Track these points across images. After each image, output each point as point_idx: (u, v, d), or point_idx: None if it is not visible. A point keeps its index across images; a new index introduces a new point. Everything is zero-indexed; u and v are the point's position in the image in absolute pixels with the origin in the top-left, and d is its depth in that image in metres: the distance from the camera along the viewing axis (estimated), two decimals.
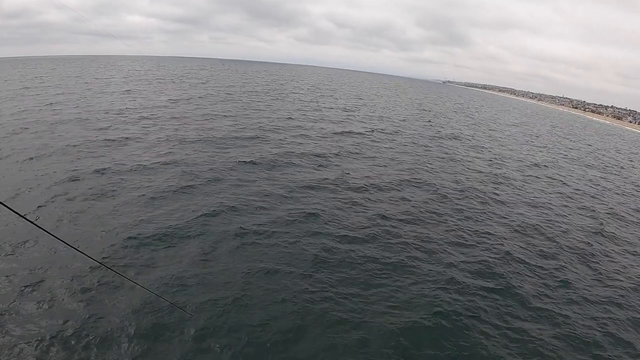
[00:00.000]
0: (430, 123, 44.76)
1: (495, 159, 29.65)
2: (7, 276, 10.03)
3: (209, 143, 23.76)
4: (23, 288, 9.59)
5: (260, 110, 37.82)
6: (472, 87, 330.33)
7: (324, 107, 45.87)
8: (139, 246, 11.70)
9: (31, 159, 18.71)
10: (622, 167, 35.96)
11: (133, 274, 10.43)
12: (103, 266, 7.94)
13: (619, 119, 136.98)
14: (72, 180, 16.34)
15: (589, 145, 48.88)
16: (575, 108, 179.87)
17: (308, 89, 75.59)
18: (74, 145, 21.24)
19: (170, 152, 21.24)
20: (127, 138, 23.44)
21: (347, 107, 48.58)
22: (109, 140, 22.70)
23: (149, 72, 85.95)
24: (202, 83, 67.06)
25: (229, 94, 50.44)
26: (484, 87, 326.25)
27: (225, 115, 33.03)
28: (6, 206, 3.68)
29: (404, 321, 9.70)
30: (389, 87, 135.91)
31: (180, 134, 25.56)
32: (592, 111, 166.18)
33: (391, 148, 28.43)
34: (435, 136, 35.51)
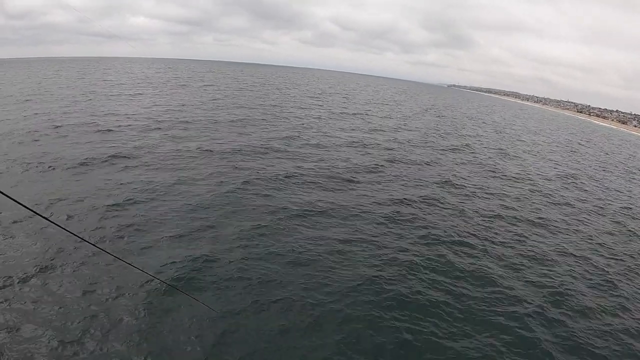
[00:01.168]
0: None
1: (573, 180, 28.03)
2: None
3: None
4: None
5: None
6: (477, 91, 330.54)
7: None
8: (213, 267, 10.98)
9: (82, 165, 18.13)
10: None
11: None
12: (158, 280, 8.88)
13: (624, 124, 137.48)
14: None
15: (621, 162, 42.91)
16: (580, 112, 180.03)
17: (343, 96, 74.71)
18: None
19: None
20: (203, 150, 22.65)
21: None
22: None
23: (170, 77, 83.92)
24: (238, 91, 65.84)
25: (275, 108, 44.71)
26: (489, 90, 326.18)
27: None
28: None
29: None
30: (407, 93, 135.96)
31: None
32: (597, 115, 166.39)
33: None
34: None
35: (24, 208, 3.45)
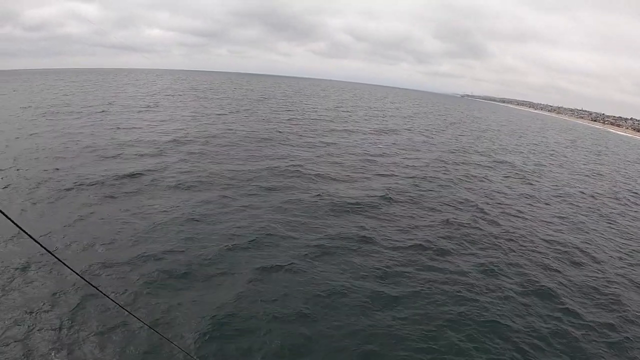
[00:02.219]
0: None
1: None
2: None
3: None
4: None
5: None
6: (491, 100, 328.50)
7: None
8: None
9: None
10: None
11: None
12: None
13: (639, 132, 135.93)
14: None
15: None
16: (595, 121, 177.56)
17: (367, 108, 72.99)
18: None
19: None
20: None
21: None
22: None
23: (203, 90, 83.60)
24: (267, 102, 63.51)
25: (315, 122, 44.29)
26: (503, 100, 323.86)
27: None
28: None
29: None
30: (425, 104, 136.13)
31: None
32: (612, 123, 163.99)
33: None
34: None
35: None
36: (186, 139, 28.33)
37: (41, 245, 3.45)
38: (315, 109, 57.50)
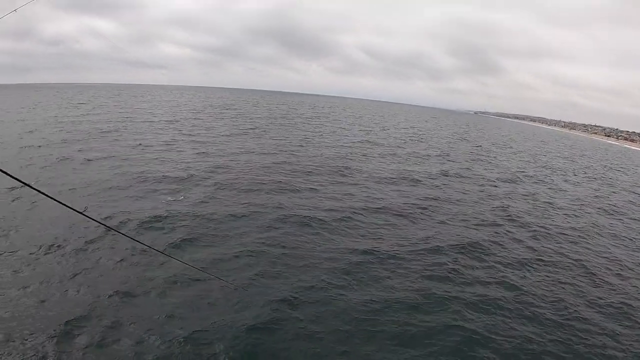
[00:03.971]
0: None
1: None
2: None
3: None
4: None
5: None
6: (505, 117, 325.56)
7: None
8: None
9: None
10: None
11: None
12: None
13: None
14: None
15: None
16: (608, 136, 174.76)
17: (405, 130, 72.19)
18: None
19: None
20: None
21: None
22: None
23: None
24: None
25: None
26: (516, 117, 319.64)
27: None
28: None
29: None
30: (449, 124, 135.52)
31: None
32: (625, 139, 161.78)
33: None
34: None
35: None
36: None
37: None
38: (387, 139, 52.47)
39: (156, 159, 26.22)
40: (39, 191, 3.61)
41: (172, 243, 13.70)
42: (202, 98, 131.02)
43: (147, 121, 48.10)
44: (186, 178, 21.62)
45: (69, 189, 18.59)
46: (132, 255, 12.66)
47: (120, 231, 6.87)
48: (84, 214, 4.23)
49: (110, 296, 10.42)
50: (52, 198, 3.68)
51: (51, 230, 13.85)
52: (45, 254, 12.29)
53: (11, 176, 3.24)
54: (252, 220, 16.38)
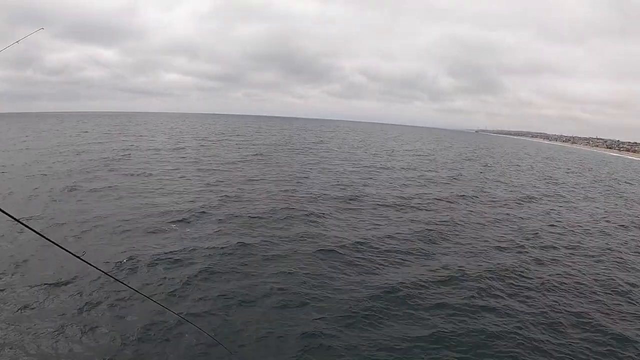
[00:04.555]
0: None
1: None
2: None
3: None
4: None
5: None
6: (506, 134, 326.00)
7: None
8: None
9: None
10: None
11: None
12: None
13: None
14: None
15: None
16: (610, 148, 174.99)
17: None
18: None
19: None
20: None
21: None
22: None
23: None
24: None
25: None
26: (517, 133, 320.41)
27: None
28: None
29: None
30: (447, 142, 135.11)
31: None
32: (627, 150, 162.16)
33: None
34: None
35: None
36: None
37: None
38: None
39: (162, 189, 25.38)
40: (42, 235, 3.43)
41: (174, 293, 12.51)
42: (204, 125, 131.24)
43: (152, 149, 47.53)
44: (194, 210, 20.48)
45: (76, 222, 17.72)
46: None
47: (123, 281, 6.26)
48: (82, 259, 4.08)
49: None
50: (57, 245, 3.55)
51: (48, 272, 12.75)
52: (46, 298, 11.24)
53: (15, 219, 3.08)
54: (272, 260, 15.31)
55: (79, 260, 3.96)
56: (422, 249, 17.12)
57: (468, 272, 14.70)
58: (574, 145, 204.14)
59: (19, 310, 10.42)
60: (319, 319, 10.96)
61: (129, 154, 40.91)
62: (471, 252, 17.27)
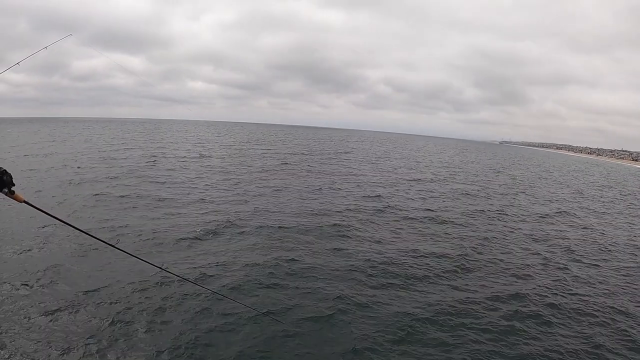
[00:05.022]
0: None
1: None
2: None
3: None
4: None
5: None
6: (531, 146, 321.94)
7: None
8: None
9: None
10: None
11: None
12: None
13: None
14: None
15: None
16: (635, 160, 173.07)
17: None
18: None
19: None
20: None
21: None
22: None
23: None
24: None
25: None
26: (542, 145, 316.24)
27: None
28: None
29: None
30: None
31: None
32: None
33: None
34: None
35: None
36: None
37: None
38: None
39: (188, 197, 24.98)
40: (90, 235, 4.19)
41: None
42: (229, 133, 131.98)
43: (178, 157, 47.49)
44: (220, 221, 19.75)
45: (103, 229, 17.18)
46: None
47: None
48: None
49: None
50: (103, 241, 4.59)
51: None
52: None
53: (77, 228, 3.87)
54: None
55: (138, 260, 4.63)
56: (458, 266, 16.12)
57: (506, 291, 13.65)
58: (599, 158, 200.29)
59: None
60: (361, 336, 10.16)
61: (155, 161, 40.82)
62: (510, 270, 16.15)
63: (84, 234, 4.35)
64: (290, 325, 10.59)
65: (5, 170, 3.14)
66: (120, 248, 5.40)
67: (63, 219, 3.78)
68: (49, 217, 3.77)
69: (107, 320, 10.13)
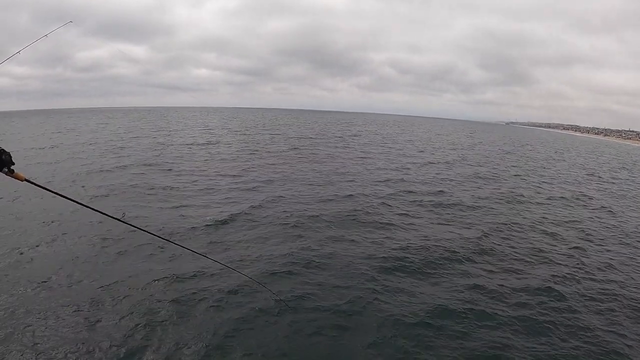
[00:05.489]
0: None
1: None
2: None
3: None
4: None
5: None
6: (536, 126, 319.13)
7: None
8: None
9: None
10: None
11: None
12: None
13: None
14: None
15: None
16: None
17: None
18: None
19: None
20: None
21: None
22: None
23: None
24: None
25: None
26: (548, 125, 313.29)
27: None
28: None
29: None
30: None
31: None
32: None
33: None
34: None
35: None
36: None
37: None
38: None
39: (200, 187, 24.13)
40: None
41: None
42: (235, 119, 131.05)
43: (185, 144, 46.78)
44: (233, 211, 18.94)
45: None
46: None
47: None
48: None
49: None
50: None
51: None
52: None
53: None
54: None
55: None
56: (477, 251, 15.35)
57: (533, 280, 12.72)
58: (607, 138, 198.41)
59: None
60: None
61: (162, 150, 40.32)
62: (538, 258, 15.25)
63: (91, 210, 4.35)
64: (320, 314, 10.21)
65: (3, 149, 3.09)
66: (127, 221, 5.44)
67: (67, 195, 3.86)
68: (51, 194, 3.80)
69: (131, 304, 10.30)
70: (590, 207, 25.42)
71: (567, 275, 13.61)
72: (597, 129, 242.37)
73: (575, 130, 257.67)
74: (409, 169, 35.69)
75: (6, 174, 3.18)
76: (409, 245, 15.50)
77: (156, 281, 11.48)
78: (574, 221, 21.47)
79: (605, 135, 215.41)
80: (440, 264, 13.92)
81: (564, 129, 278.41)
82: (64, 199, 3.91)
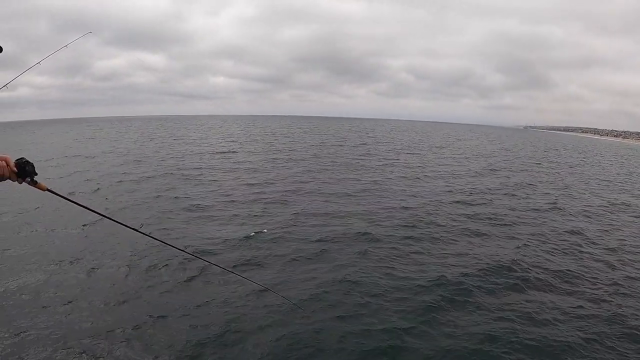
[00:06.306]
0: None
1: None
2: None
3: None
4: None
5: None
6: (555, 130, 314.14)
7: None
8: None
9: None
10: None
11: None
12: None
13: None
14: None
15: None
16: None
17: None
18: None
19: None
20: None
21: None
22: None
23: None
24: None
25: None
26: (567, 129, 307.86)
27: None
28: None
29: None
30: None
31: None
32: None
33: None
34: None
35: None
36: None
37: None
38: None
39: (224, 197, 23.45)
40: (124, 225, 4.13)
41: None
42: (254, 127, 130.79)
43: (207, 152, 46.24)
44: (258, 226, 17.88)
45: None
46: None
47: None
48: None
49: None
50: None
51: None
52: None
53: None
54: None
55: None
56: (521, 276, 13.34)
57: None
58: (626, 140, 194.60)
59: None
60: None
61: (183, 160, 39.64)
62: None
63: (114, 222, 4.09)
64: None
65: (27, 160, 3.11)
66: (158, 238, 5.35)
67: (88, 206, 3.74)
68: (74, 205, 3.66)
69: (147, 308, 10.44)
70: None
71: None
72: (616, 131, 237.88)
73: (594, 133, 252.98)
74: (441, 178, 33.98)
75: (29, 184, 3.15)
76: (448, 268, 13.91)
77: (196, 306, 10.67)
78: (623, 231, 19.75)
79: (624, 137, 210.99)
80: (508, 294, 12.14)
81: (582, 132, 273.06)
82: (86, 209, 3.80)
